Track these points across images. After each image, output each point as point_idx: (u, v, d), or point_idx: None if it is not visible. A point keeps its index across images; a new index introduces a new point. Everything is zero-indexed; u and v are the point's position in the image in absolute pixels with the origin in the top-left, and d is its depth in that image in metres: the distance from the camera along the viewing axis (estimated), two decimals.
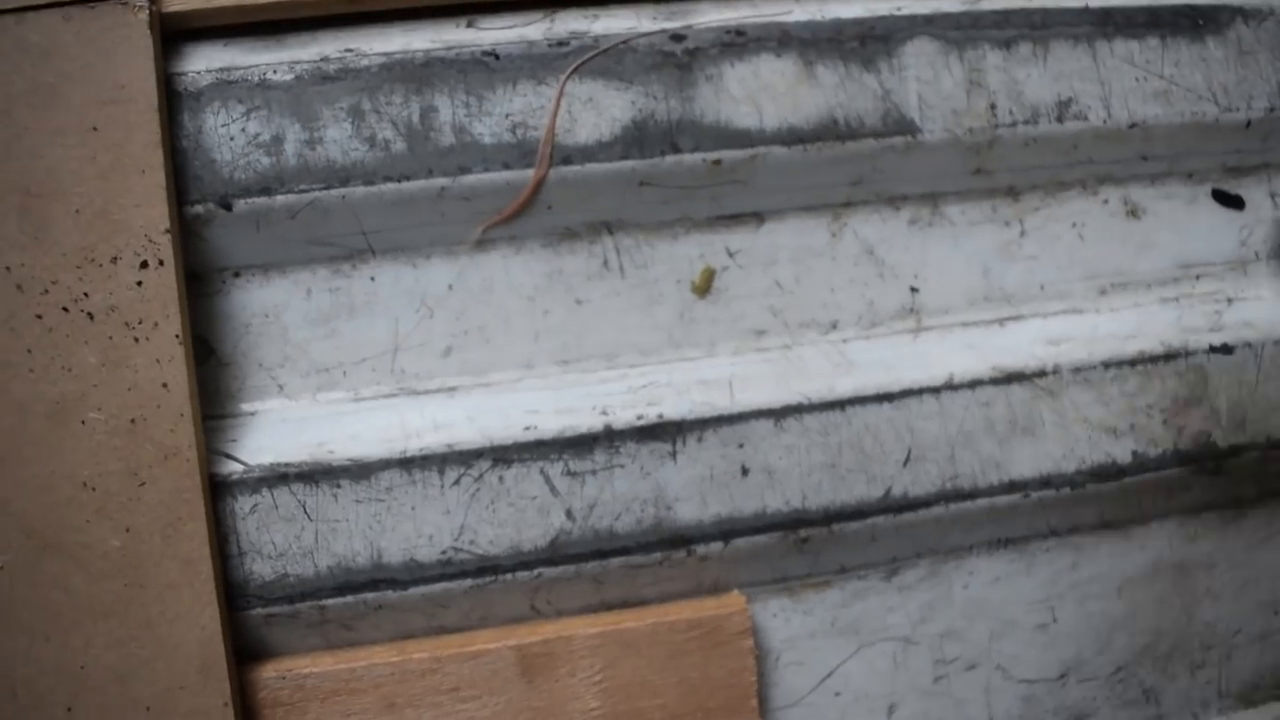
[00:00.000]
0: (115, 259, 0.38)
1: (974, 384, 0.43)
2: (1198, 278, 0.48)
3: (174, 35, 0.40)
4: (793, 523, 0.42)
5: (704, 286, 0.43)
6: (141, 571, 0.38)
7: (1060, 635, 0.47)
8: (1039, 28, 0.45)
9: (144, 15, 0.39)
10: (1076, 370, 0.44)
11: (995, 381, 0.43)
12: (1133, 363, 0.45)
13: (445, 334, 0.42)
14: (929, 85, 0.43)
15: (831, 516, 0.42)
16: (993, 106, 0.44)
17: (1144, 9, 0.46)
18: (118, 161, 0.38)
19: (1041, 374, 0.44)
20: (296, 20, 0.41)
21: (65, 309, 0.38)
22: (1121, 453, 0.45)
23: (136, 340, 0.38)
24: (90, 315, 0.38)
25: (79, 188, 0.38)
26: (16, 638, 0.38)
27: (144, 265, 0.38)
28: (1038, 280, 0.46)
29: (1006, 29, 0.44)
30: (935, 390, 0.43)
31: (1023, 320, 0.46)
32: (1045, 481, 0.44)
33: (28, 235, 0.38)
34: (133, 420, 0.38)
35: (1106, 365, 0.44)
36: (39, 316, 0.38)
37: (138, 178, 0.38)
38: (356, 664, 0.40)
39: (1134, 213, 0.47)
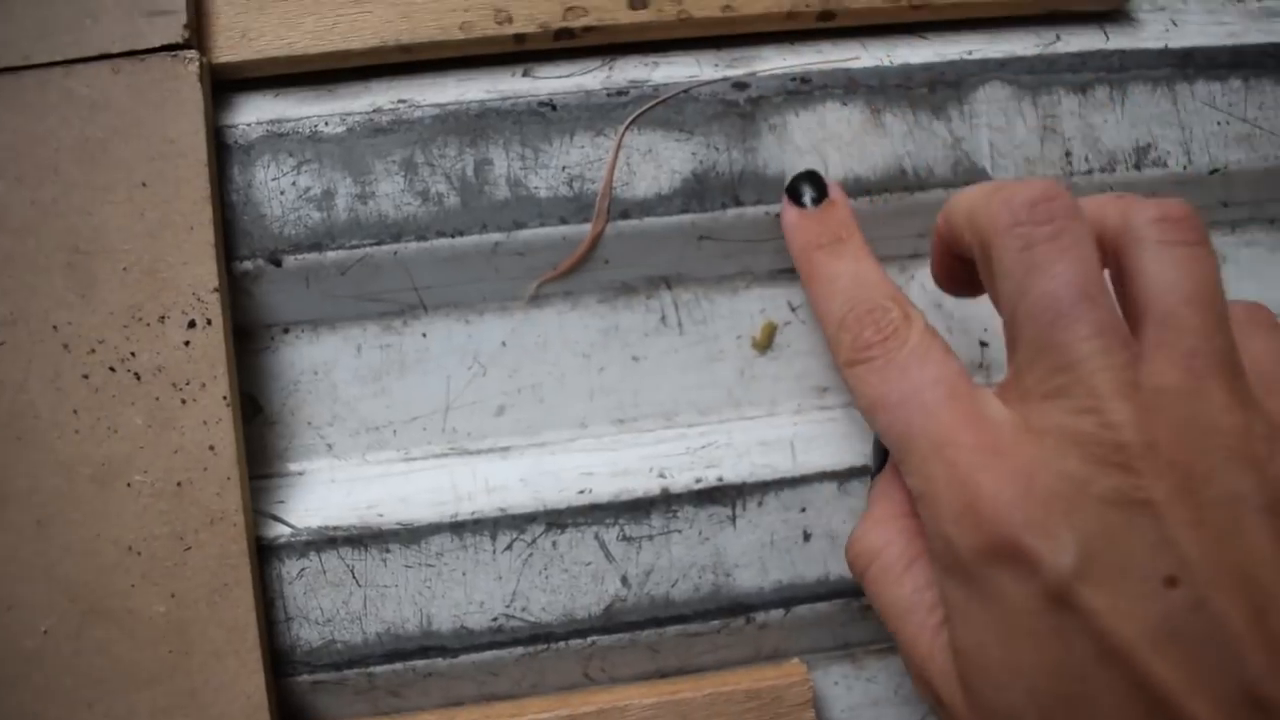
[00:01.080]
0: (163, 318, 0.37)
1: None
2: None
3: (224, 86, 0.39)
4: (856, 590, 0.40)
5: (765, 342, 0.41)
6: (186, 638, 0.37)
7: None
8: (1116, 70, 0.42)
9: (194, 67, 0.38)
10: None
11: None
12: None
13: (498, 392, 0.41)
14: (1001, 132, 0.41)
15: None
16: (1068, 154, 0.42)
17: (1227, 49, 0.43)
18: (166, 218, 0.37)
19: None
20: (348, 70, 0.40)
21: (112, 369, 0.37)
22: None
23: (183, 402, 0.37)
24: (137, 375, 0.37)
25: (127, 245, 0.37)
26: (59, 705, 0.37)
27: (192, 325, 0.37)
28: None
29: (1082, 73, 0.42)
30: None
31: None
32: None
33: (74, 294, 0.37)
34: (179, 483, 0.37)
35: None
36: (85, 376, 0.37)
37: (186, 234, 0.37)
38: None
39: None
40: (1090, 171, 0.42)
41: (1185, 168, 0.43)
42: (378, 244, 0.38)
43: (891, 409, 0.32)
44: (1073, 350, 0.29)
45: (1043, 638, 0.28)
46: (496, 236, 0.39)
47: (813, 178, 0.39)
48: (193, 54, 0.38)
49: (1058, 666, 0.28)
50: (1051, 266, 0.30)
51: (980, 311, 0.43)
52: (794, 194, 0.39)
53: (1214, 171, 0.43)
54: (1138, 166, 0.42)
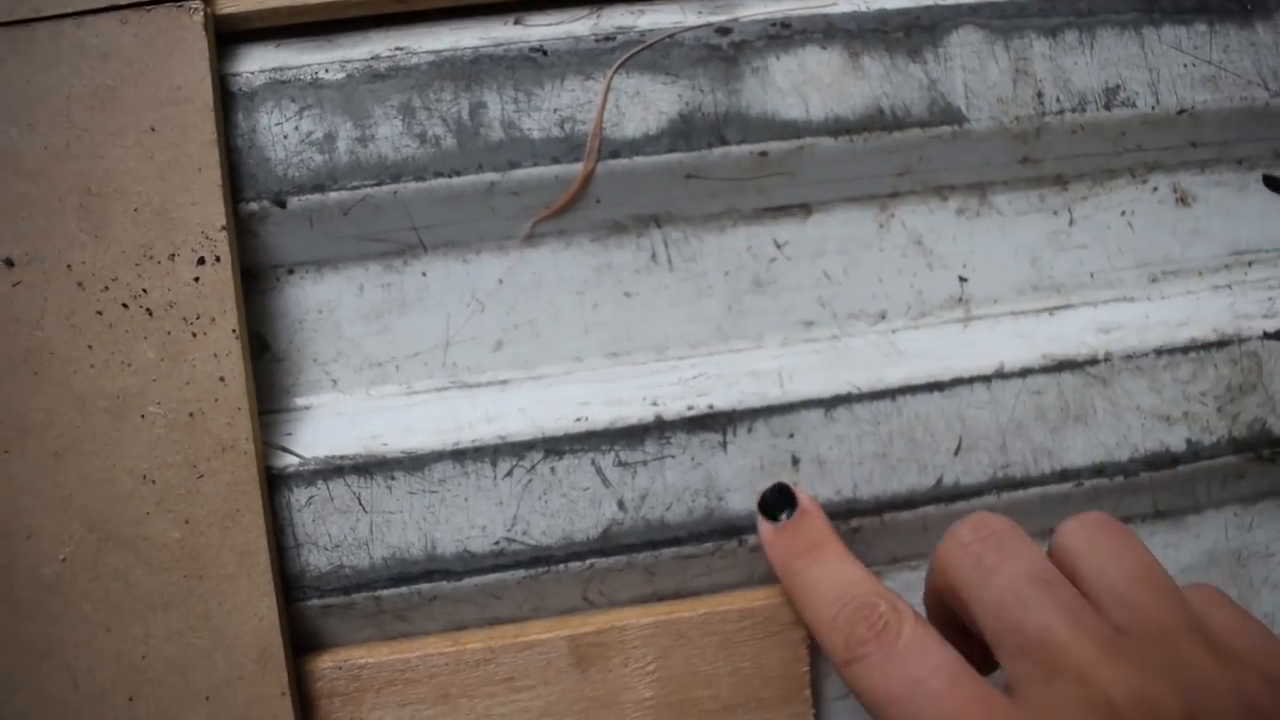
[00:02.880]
0: (173, 256, 0.38)
1: (1025, 372, 0.42)
2: (1250, 264, 0.46)
3: (228, 37, 0.40)
4: (844, 512, 0.41)
5: None
6: (200, 563, 0.38)
7: None
8: (1085, 15, 0.44)
9: (199, 17, 0.39)
10: (1129, 358, 0.43)
11: (1046, 370, 0.42)
12: (1185, 350, 0.44)
13: (496, 328, 0.42)
14: (975, 74, 0.43)
15: (883, 506, 0.41)
16: (1039, 94, 0.43)
17: None
18: (175, 161, 0.38)
19: (1093, 362, 0.43)
20: (347, 20, 0.41)
21: (125, 305, 0.38)
22: (1175, 441, 0.43)
23: (194, 335, 0.38)
24: (149, 311, 0.38)
25: (137, 187, 0.38)
26: (78, 629, 0.38)
27: (201, 261, 0.38)
28: (1087, 269, 0.45)
29: (1052, 16, 0.43)
30: (986, 379, 0.42)
31: (1073, 309, 0.45)
32: (1098, 470, 0.43)
33: (88, 234, 0.38)
34: (191, 414, 0.38)
35: (1159, 353, 0.43)
36: (99, 313, 0.38)
37: (194, 176, 0.38)
38: (411, 655, 0.40)
39: (1184, 200, 0.46)
40: (1061, 112, 0.43)
41: (1153, 108, 0.44)
42: (378, 184, 0.40)
43: (897, 701, 0.32)
44: (1047, 630, 0.31)
45: None
46: (492, 176, 0.40)
47: (782, 491, 0.40)
48: (197, 4, 0.39)
49: None
50: (1003, 565, 0.33)
51: (959, 247, 0.44)
52: (766, 510, 0.40)
53: (1181, 112, 0.44)
54: (1107, 106, 0.44)
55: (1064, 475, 0.43)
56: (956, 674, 0.32)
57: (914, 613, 0.35)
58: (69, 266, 0.38)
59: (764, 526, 0.40)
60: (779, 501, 0.40)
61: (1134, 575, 0.32)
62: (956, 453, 0.42)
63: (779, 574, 0.39)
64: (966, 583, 0.34)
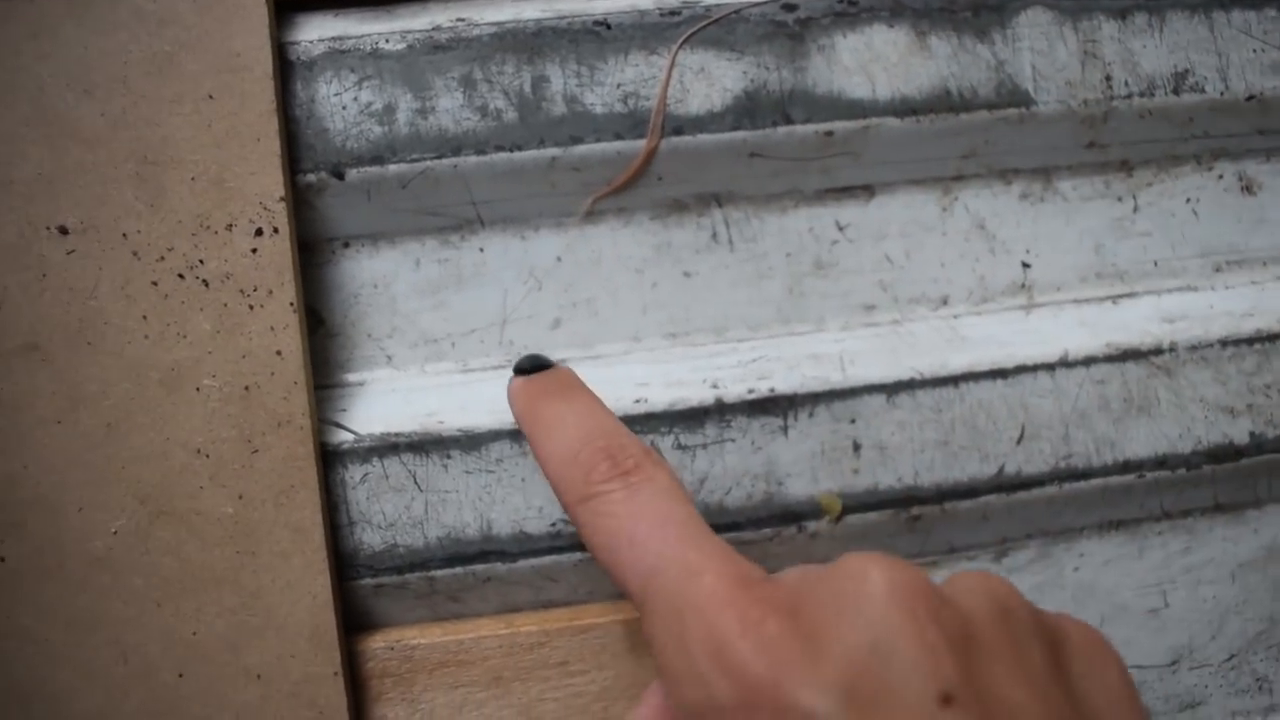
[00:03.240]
0: (230, 226, 0.38)
1: (1088, 361, 0.41)
2: None
3: (286, 4, 0.40)
4: (904, 500, 0.40)
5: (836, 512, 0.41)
6: (253, 539, 0.37)
7: (1172, 620, 0.45)
8: None
9: None
10: (1193, 348, 0.42)
11: (1110, 359, 0.42)
12: (1250, 341, 0.43)
13: (553, 306, 0.41)
14: (1043, 56, 0.42)
15: (944, 494, 0.41)
16: (1108, 78, 0.42)
17: None
18: (233, 129, 0.38)
19: (1157, 351, 0.42)
20: None
21: (181, 275, 0.37)
22: (1239, 433, 0.43)
23: (251, 307, 0.38)
24: (205, 282, 0.37)
25: (195, 155, 0.37)
26: (128, 604, 0.37)
27: (259, 233, 0.38)
28: (1151, 257, 0.44)
29: None
30: (1049, 367, 0.41)
31: (1136, 298, 0.44)
32: (1160, 462, 0.42)
33: (144, 203, 0.37)
34: (246, 387, 0.37)
35: (1223, 343, 0.42)
36: (154, 283, 0.37)
37: (253, 145, 0.38)
38: (464, 636, 0.39)
39: (1249, 188, 0.45)
40: (1130, 96, 0.42)
41: (1222, 94, 0.43)
42: (438, 158, 0.39)
43: (638, 543, 0.29)
44: None
45: None
46: (553, 151, 0.39)
47: (537, 359, 0.36)
48: None
49: None
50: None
51: (1022, 233, 0.44)
52: (519, 371, 0.36)
53: (1250, 98, 0.43)
54: (1176, 91, 0.43)
55: (1126, 466, 0.42)
56: (709, 533, 0.29)
57: (670, 469, 0.31)
58: (124, 235, 0.37)
59: (512, 381, 0.36)
60: (535, 366, 0.36)
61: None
62: (1019, 441, 0.41)
63: (519, 417, 0.35)
64: None
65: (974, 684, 0.24)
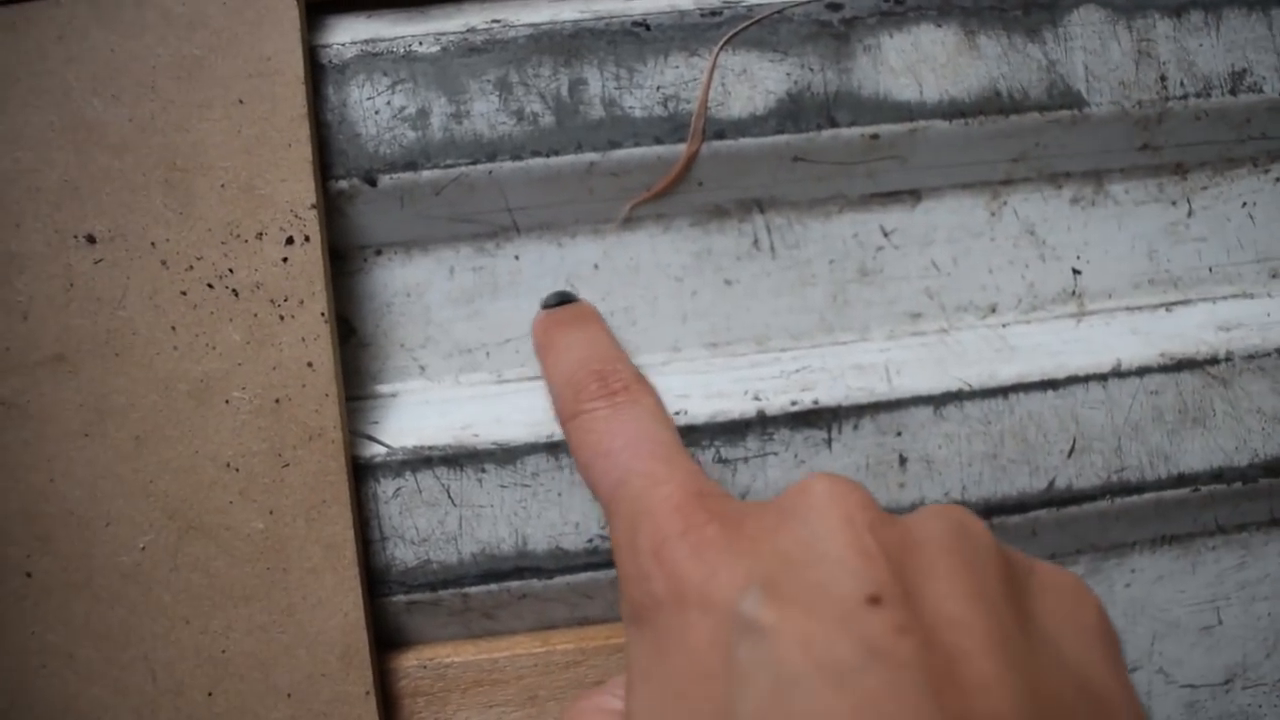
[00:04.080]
0: (261, 234, 0.36)
1: (1142, 371, 0.40)
2: None
3: (317, 7, 0.38)
4: None
5: None
6: (284, 555, 0.36)
7: (1226, 638, 0.43)
8: None
9: None
10: (1250, 358, 0.41)
11: (1164, 369, 0.40)
12: None
13: None
14: (1096, 56, 0.40)
15: (993, 509, 0.39)
16: (1163, 78, 0.41)
17: None
18: (263, 135, 0.37)
19: (1213, 361, 0.40)
20: None
21: (210, 285, 0.36)
22: None
23: (281, 318, 0.36)
24: (235, 292, 0.36)
25: (225, 161, 0.36)
26: (157, 621, 0.36)
27: (289, 241, 0.36)
28: (1205, 263, 0.43)
29: None
30: (1102, 377, 0.40)
31: (1190, 305, 0.42)
32: (1216, 475, 0.41)
33: (173, 210, 0.36)
34: (277, 400, 0.36)
35: None
36: (183, 293, 0.36)
37: (284, 151, 0.37)
38: (499, 654, 0.38)
39: None
40: (1185, 96, 0.41)
41: None
42: (473, 163, 0.37)
43: (614, 454, 0.31)
44: None
45: (719, 678, 0.23)
46: (591, 156, 0.38)
47: (561, 294, 0.39)
48: None
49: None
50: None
51: (1073, 238, 0.42)
52: (545, 305, 0.39)
53: None
54: (1233, 92, 0.41)
55: (1181, 480, 0.40)
56: (684, 454, 0.31)
57: (658, 396, 0.33)
58: (153, 244, 0.36)
59: (537, 314, 0.39)
60: (560, 301, 0.39)
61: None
62: (1070, 454, 0.39)
63: (536, 348, 0.38)
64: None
65: (909, 591, 0.23)
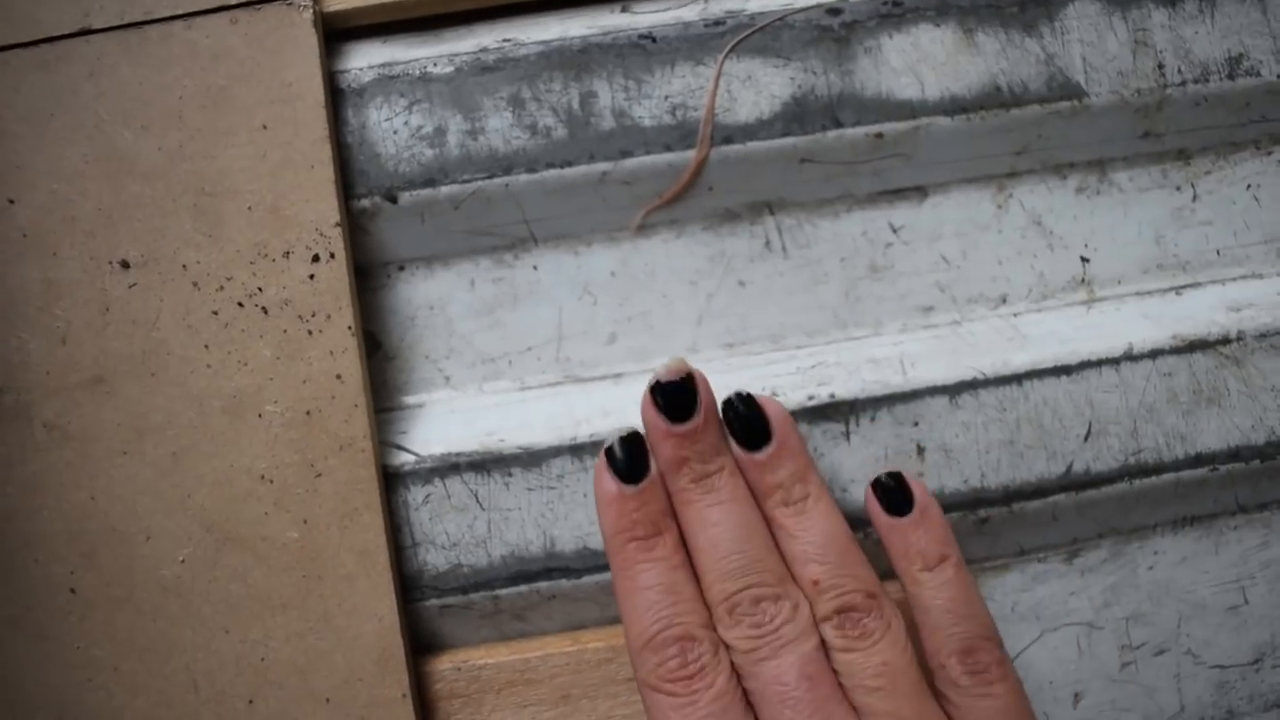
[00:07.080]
0: (288, 253, 0.37)
1: (1154, 354, 0.40)
2: None
3: (335, 34, 0.39)
4: (972, 502, 0.39)
5: None
6: (319, 563, 0.37)
7: (1253, 618, 0.42)
8: None
9: (308, 15, 0.38)
10: (1261, 336, 0.40)
11: (1176, 350, 0.40)
12: None
13: (609, 321, 0.40)
14: (1093, 47, 0.40)
15: (1011, 495, 0.39)
16: (1160, 66, 0.41)
17: None
18: (287, 158, 0.37)
19: (1225, 341, 0.40)
20: (452, 14, 0.40)
21: (240, 304, 0.37)
22: None
23: (310, 333, 0.37)
24: (264, 310, 0.37)
25: (251, 185, 0.37)
26: (197, 631, 0.37)
27: (315, 259, 0.37)
28: (1213, 246, 0.43)
29: None
30: (1114, 361, 0.39)
31: (1200, 287, 0.42)
32: (1233, 454, 0.40)
33: (202, 234, 0.37)
34: (308, 412, 0.37)
35: None
36: (215, 313, 0.37)
37: (307, 173, 0.37)
38: (531, 655, 0.38)
39: None
40: (1183, 83, 0.41)
41: (1278, 76, 0.41)
42: (489, 177, 0.38)
43: None
44: None
45: None
46: (604, 166, 0.38)
47: (634, 441, 0.35)
48: (306, 2, 0.38)
49: None
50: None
51: (1080, 227, 0.42)
52: (611, 457, 0.34)
53: None
54: (1231, 76, 0.41)
55: (1198, 460, 0.40)
56: None
57: (731, 668, 0.33)
58: (184, 267, 0.37)
59: (606, 479, 0.34)
60: (625, 454, 0.34)
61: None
62: (1086, 439, 0.39)
63: (607, 545, 0.34)
64: None
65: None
